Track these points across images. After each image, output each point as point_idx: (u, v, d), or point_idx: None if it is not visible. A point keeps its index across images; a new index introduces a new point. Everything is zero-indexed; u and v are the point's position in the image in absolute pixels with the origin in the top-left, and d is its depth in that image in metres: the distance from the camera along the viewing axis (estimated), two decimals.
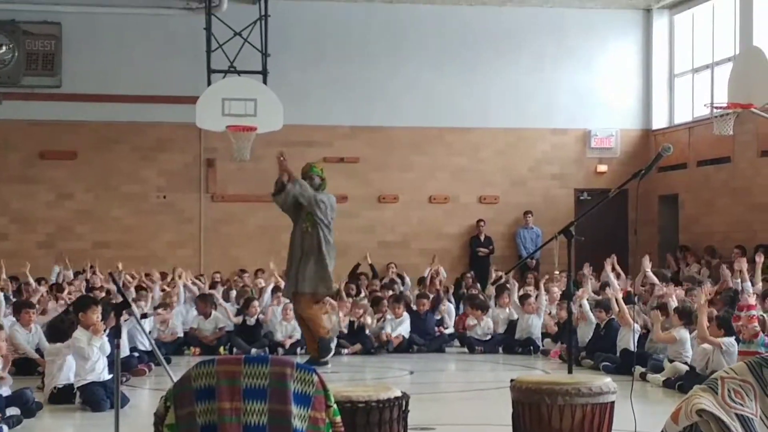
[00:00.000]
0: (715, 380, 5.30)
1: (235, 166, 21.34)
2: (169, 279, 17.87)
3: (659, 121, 23.50)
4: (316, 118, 22.38)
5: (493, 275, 19.40)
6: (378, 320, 16.43)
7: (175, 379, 5.62)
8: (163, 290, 16.78)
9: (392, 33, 22.86)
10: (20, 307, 13.29)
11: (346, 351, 15.74)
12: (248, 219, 22.08)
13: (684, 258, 20.87)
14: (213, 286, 18.41)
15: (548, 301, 16.27)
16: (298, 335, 15.51)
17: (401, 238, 22.82)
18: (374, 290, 18.50)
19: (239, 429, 5.34)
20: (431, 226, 22.97)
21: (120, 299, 7.32)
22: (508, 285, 17.19)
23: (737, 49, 20.35)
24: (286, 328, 15.99)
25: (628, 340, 13.11)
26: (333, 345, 14.15)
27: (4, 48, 21.64)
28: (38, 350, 12.76)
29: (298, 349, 15.51)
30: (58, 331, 10.92)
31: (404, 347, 16.16)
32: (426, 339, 16.46)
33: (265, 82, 20.74)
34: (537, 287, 17.14)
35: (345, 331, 16.12)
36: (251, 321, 15.98)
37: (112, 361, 10.23)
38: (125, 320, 12.28)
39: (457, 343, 16.87)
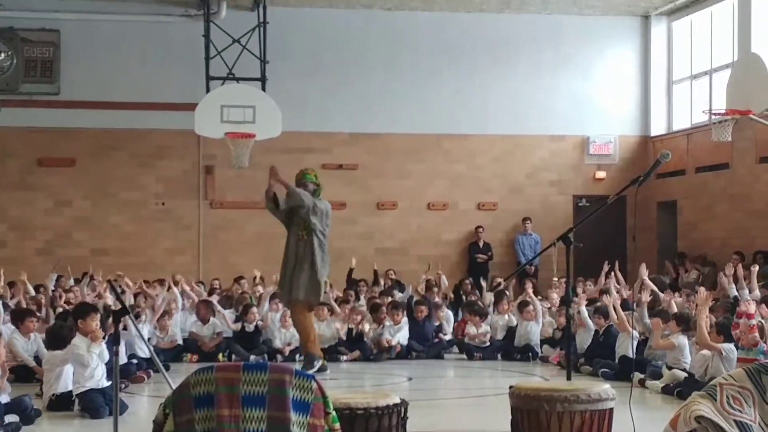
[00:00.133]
0: (713, 387, 5.30)
1: (234, 173, 21.33)
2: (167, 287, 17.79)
3: (658, 128, 23.52)
4: (315, 125, 22.40)
5: (484, 285, 19.35)
6: (377, 327, 16.41)
7: (174, 386, 5.61)
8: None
9: (391, 40, 22.89)
10: (23, 316, 13.26)
11: (344, 358, 15.73)
12: (247, 226, 22.09)
13: (683, 264, 20.88)
14: (211, 293, 18.39)
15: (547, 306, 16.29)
16: (296, 342, 15.48)
17: (400, 245, 22.83)
18: (373, 297, 18.47)
19: None
20: (430, 233, 22.98)
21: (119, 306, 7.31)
22: (507, 291, 17.19)
23: (735, 56, 20.37)
24: (285, 335, 15.97)
25: (626, 346, 13.10)
26: (317, 364, 13.76)
27: (2, 55, 21.66)
28: (37, 358, 12.74)
29: (297, 356, 15.48)
30: (58, 338, 10.90)
31: (403, 354, 16.15)
32: (425, 345, 16.45)
33: (263, 89, 20.75)
34: (536, 293, 17.13)
35: (344, 338, 16.11)
36: (250, 327, 15.96)
37: (110, 368, 10.22)
38: (124, 328, 12.30)
39: (455, 349, 16.86)
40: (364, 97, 22.70)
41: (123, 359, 12.63)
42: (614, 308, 13.64)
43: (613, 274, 16.33)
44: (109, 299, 14.69)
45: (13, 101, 21.68)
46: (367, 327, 16.26)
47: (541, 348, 15.80)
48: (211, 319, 16.15)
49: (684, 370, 11.89)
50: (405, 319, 16.49)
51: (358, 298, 18.43)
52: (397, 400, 6.41)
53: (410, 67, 22.85)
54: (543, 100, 23.18)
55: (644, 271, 14.74)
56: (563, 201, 23.36)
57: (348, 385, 13.25)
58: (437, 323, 17.14)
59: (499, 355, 16.18)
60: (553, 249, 8.75)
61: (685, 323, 12.25)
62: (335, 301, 17.02)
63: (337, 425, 5.51)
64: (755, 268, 15.33)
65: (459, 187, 23.11)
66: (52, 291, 16.69)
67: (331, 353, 15.53)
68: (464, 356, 16.30)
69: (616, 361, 13.27)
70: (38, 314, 13.85)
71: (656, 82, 23.50)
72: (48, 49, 21.88)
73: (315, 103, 22.43)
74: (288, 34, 22.12)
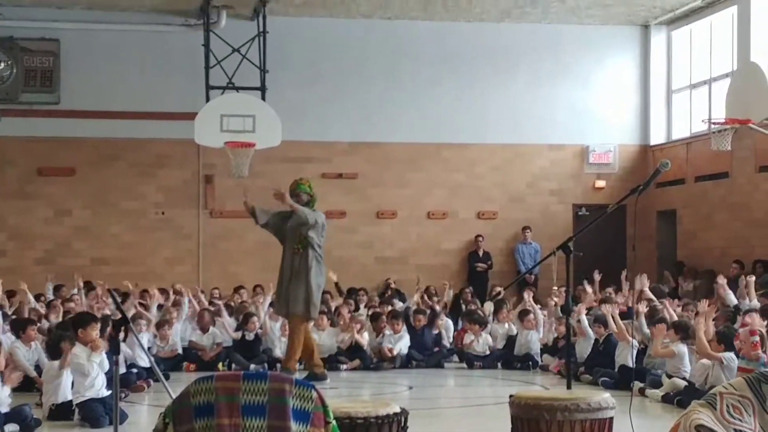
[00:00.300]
0: (713, 396, 5.30)
1: (234, 183, 21.24)
2: (171, 296, 17.74)
3: (657, 137, 23.52)
4: (315, 134, 22.41)
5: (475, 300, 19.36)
6: (376, 336, 16.41)
7: (174, 396, 5.61)
8: (160, 306, 16.72)
9: (390, 49, 22.90)
10: (24, 325, 13.25)
11: (344, 367, 15.73)
12: (247, 235, 22.03)
13: (682, 274, 20.87)
14: (211, 302, 18.38)
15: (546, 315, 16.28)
16: None
17: (399, 254, 22.82)
18: (373, 306, 18.48)
19: None
20: (430, 242, 22.97)
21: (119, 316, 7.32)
22: (506, 300, 17.19)
23: (735, 65, 20.39)
24: (285, 344, 15.95)
25: (626, 355, 13.10)
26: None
27: (2, 65, 21.67)
28: (37, 366, 12.73)
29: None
30: (58, 347, 10.89)
31: (403, 362, 16.15)
32: (424, 354, 16.44)
33: (263, 98, 20.75)
34: (536, 302, 17.13)
35: (344, 347, 16.10)
36: (250, 336, 15.95)
37: (110, 377, 10.21)
38: (123, 338, 12.30)
39: (456, 358, 16.86)
40: (363, 107, 22.72)
41: (123, 368, 12.62)
42: (613, 318, 13.64)
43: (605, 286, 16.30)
44: (108, 309, 14.70)
45: (13, 111, 21.68)
46: (366, 336, 16.25)
47: (541, 357, 15.80)
48: (211, 328, 16.16)
49: (684, 378, 11.89)
50: (405, 328, 16.50)
51: (357, 308, 18.43)
52: (398, 409, 6.41)
53: (410, 76, 22.86)
54: (543, 109, 23.19)
55: (645, 282, 14.73)
56: (563, 210, 23.36)
57: (348, 394, 13.25)
58: (436, 332, 17.14)
59: (499, 364, 16.18)
60: (553, 258, 8.72)
61: (684, 332, 12.25)
62: (333, 311, 17.03)
63: None
64: (752, 278, 15.38)
65: (459, 196, 23.12)
66: (51, 300, 16.69)
67: (331, 362, 15.54)
68: (464, 365, 16.30)
69: (616, 370, 13.27)
70: (39, 323, 13.84)
71: (656, 91, 23.52)
72: (48, 58, 21.88)
73: (315, 112, 22.44)
74: (288, 44, 22.14)
